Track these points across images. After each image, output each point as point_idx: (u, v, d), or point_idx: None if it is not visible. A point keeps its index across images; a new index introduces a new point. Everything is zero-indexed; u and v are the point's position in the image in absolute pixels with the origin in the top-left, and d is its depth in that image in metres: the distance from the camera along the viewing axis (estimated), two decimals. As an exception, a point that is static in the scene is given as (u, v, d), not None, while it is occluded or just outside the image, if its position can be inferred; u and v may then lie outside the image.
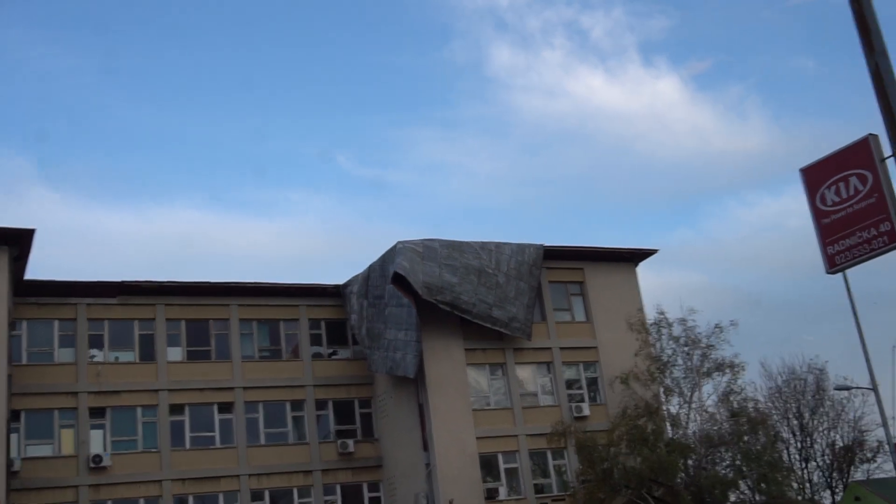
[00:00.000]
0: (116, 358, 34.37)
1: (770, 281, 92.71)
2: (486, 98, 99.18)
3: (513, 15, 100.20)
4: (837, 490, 45.93)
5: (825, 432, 46.15)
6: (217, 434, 34.78)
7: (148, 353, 34.73)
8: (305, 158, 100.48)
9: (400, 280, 33.67)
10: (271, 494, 34.86)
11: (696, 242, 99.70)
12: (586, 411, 35.83)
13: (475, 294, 34.64)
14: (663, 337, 34.90)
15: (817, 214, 11.29)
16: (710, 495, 31.79)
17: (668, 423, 33.84)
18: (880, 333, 77.48)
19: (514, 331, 35.54)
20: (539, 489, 34.84)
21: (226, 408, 35.19)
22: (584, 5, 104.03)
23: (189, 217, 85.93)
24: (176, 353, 35.18)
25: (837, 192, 11.07)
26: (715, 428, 33.58)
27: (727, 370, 33.79)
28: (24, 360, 32.89)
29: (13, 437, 31.08)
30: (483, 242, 36.16)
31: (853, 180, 10.89)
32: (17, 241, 30.44)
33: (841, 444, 45.80)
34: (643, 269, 40.48)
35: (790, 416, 45.95)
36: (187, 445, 34.19)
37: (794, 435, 45.91)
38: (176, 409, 34.30)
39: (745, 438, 33.45)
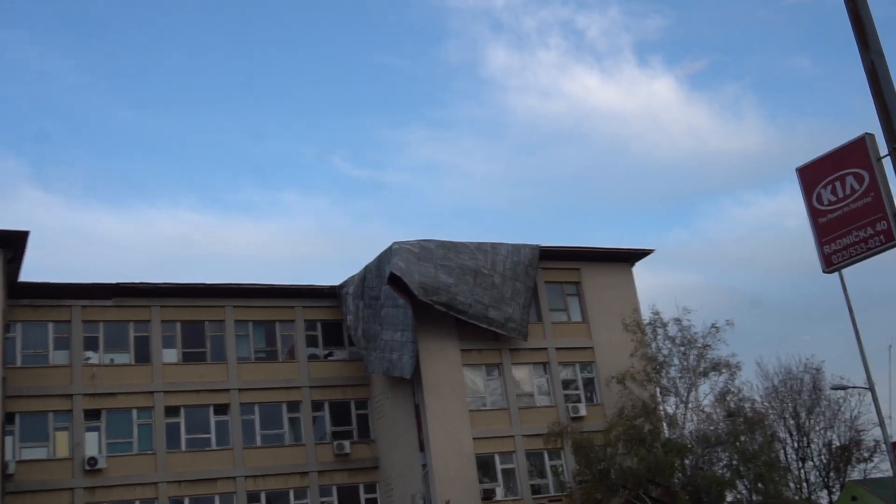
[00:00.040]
0: (111, 360, 34.30)
1: (766, 281, 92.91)
2: (481, 98, 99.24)
3: (508, 15, 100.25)
4: (834, 490, 45.99)
5: (822, 432, 46.23)
6: (213, 436, 34.71)
7: (143, 354, 34.66)
8: (301, 159, 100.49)
9: (396, 281, 33.63)
10: (267, 496, 34.81)
11: (692, 242, 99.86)
12: (583, 412, 35.82)
13: (471, 294, 34.60)
14: (659, 337, 34.93)
15: (814, 214, 11.29)
16: (706, 495, 31.79)
17: (664, 424, 33.85)
18: (877, 333, 77.71)
19: (511, 331, 35.50)
20: (536, 490, 34.81)
21: (221, 409, 35.13)
22: (580, 5, 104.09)
23: (184, 218, 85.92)
24: (171, 355, 35.12)
25: (834, 192, 11.07)
26: (711, 428, 33.58)
27: (724, 370, 33.85)
28: (19, 363, 32.84)
29: (8, 439, 31.08)
30: (479, 243, 36.12)
31: (849, 179, 10.89)
32: (12, 243, 30.39)
33: (837, 444, 45.85)
34: (639, 270, 40.61)
35: (787, 415, 46.00)
36: (183, 447, 34.12)
37: (791, 435, 45.95)
38: (171, 410, 34.22)
39: (742, 438, 33.44)
